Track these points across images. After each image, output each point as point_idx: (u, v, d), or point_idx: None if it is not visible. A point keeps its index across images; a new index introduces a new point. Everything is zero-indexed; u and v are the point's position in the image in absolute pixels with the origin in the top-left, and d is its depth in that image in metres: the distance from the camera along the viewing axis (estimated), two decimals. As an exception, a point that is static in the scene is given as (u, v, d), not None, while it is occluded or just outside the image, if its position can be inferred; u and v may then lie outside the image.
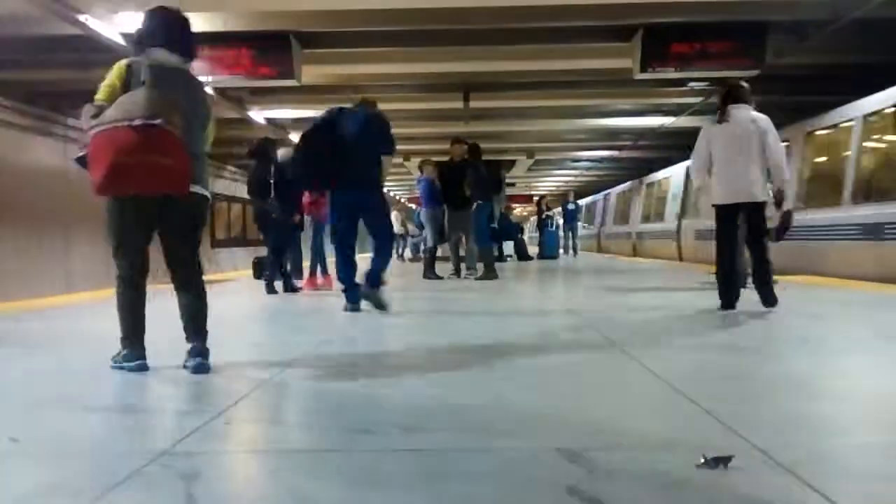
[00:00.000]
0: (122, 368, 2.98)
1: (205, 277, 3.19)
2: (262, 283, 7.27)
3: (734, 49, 6.73)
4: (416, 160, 13.61)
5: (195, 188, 2.98)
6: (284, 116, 10.63)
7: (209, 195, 3.15)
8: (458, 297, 6.80)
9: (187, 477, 1.71)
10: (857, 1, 5.88)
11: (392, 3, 6.01)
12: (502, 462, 1.80)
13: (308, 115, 10.14)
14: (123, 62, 2.97)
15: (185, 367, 2.97)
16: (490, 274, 8.81)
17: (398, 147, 5.26)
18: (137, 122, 2.69)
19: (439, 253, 9.87)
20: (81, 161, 2.87)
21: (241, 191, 11.18)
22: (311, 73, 7.44)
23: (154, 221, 2.99)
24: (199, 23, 6.17)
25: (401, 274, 10.74)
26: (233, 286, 8.78)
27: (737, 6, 6.25)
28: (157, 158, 2.73)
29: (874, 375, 2.93)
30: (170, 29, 3.05)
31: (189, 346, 3.01)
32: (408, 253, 18.33)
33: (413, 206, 18.77)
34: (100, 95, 2.89)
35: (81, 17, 5.70)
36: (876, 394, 2.62)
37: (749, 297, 4.93)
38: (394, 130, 5.06)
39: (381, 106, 6.93)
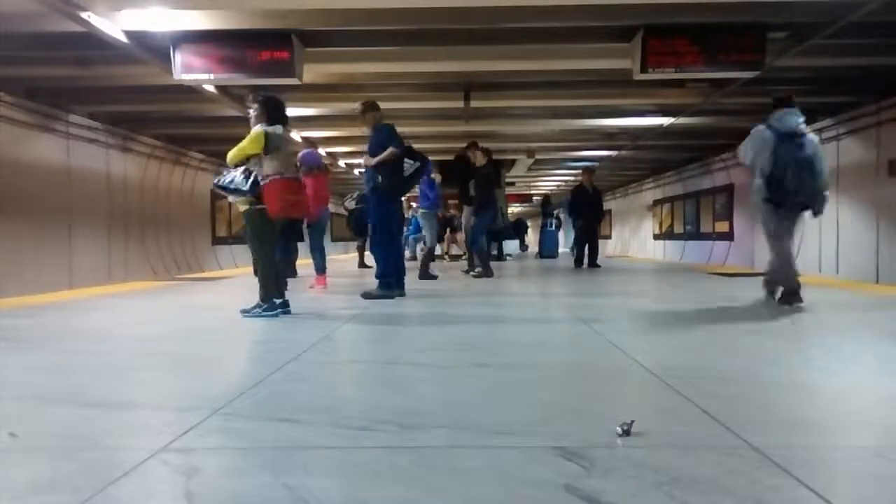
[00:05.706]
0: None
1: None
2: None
3: (735, 50, 6.73)
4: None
5: None
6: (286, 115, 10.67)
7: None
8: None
9: (186, 473, 1.72)
10: (857, 4, 5.88)
11: (393, 2, 6.01)
12: (499, 459, 1.81)
13: (310, 114, 10.12)
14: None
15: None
16: (486, 272, 9.55)
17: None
18: None
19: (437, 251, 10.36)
20: None
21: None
22: (312, 72, 7.44)
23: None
24: (201, 21, 6.17)
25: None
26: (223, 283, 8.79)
27: (737, 7, 6.24)
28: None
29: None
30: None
31: None
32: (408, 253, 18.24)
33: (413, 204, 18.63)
34: None
35: (84, 15, 5.70)
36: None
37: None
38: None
39: (382, 105, 6.98)
